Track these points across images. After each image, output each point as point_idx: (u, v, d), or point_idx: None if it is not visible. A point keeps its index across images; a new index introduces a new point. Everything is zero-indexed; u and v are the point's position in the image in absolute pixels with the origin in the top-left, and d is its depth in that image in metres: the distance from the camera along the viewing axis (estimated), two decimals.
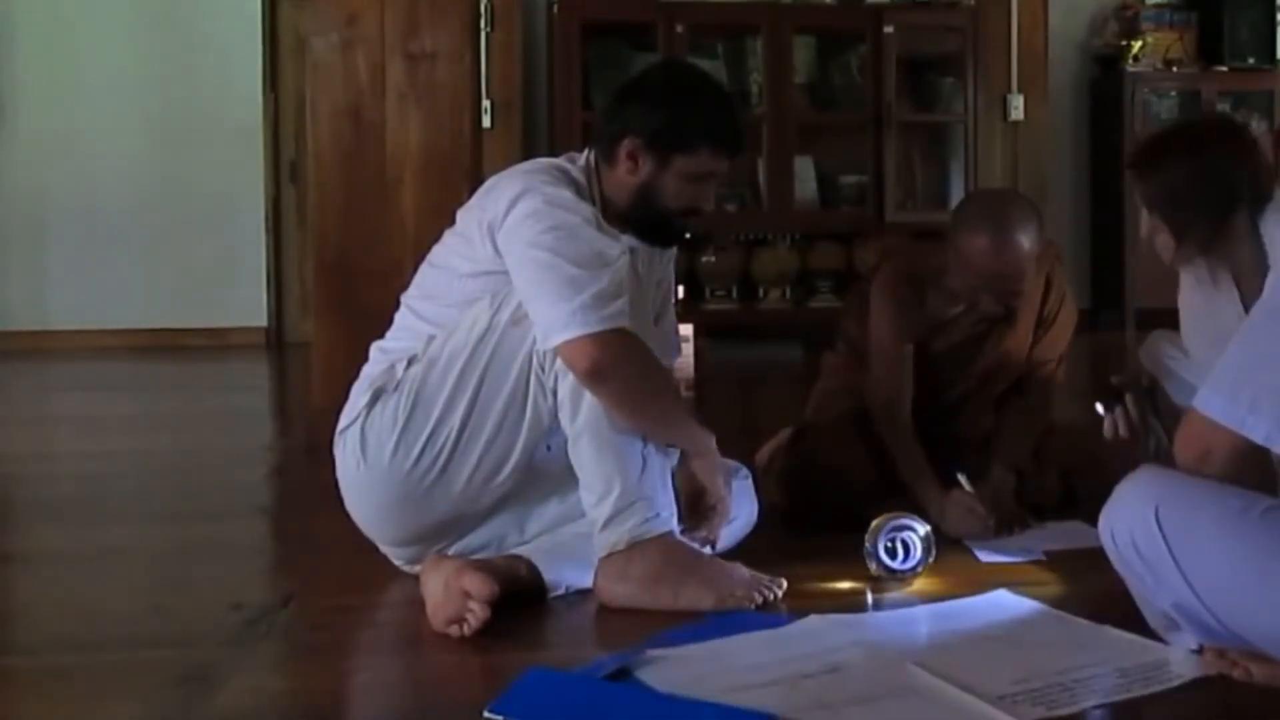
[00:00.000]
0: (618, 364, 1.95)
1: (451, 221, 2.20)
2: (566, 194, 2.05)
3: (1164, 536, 1.58)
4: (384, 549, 2.21)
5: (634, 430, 1.99)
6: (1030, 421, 2.62)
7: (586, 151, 2.21)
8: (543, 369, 2.01)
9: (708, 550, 2.12)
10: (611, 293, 1.95)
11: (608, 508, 1.98)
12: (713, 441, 2.10)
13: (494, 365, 2.03)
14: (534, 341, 2.00)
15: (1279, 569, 1.52)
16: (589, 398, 1.97)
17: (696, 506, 2.12)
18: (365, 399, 2.12)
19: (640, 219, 2.17)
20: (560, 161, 2.18)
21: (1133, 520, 1.62)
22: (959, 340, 2.61)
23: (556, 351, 1.96)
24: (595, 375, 1.94)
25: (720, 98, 2.21)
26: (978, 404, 2.67)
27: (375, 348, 2.20)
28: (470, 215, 2.13)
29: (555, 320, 1.94)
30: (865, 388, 2.60)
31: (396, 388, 2.09)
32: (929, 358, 2.61)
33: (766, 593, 1.99)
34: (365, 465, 2.10)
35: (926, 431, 2.57)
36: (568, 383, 1.98)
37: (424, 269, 2.21)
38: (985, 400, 2.67)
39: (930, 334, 2.60)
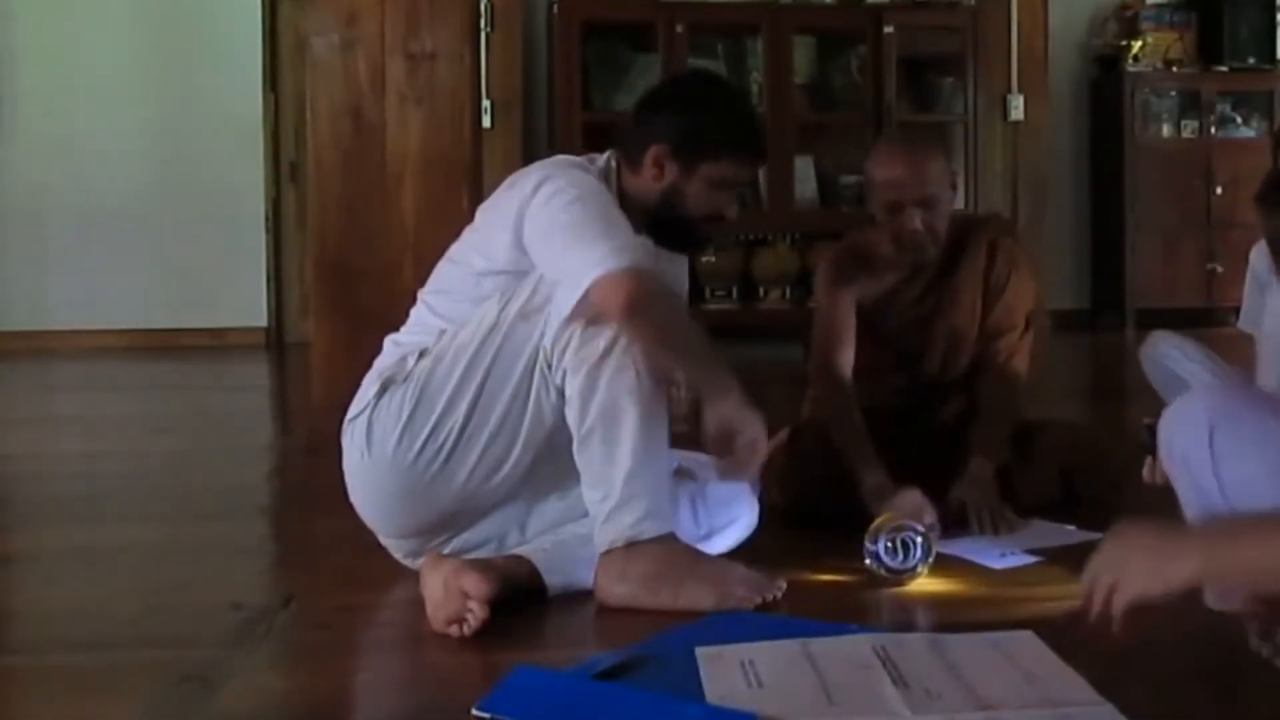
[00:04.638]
0: (654, 297, 1.96)
1: (466, 219, 2.22)
2: (590, 179, 2.09)
3: (1213, 456, 1.58)
4: (385, 542, 2.21)
5: (667, 366, 2.00)
6: (1002, 409, 2.61)
7: (607, 154, 2.23)
8: (548, 365, 2.01)
9: (748, 488, 2.16)
10: (640, 246, 2.00)
11: (610, 504, 1.98)
12: (736, 383, 2.07)
13: (500, 360, 2.04)
14: (540, 337, 2.01)
15: None
16: (600, 396, 1.96)
17: (729, 446, 2.05)
18: (374, 389, 2.13)
19: (663, 224, 2.20)
20: (579, 160, 2.21)
21: (1188, 437, 1.62)
22: (910, 316, 2.65)
23: (590, 293, 1.94)
24: (633, 308, 1.93)
25: (744, 108, 2.30)
26: (944, 387, 2.69)
27: (389, 340, 2.21)
28: (491, 209, 2.15)
29: (589, 259, 1.95)
30: (810, 364, 2.63)
31: (405, 379, 2.10)
32: (885, 339, 2.64)
33: (766, 593, 1.99)
34: (369, 456, 2.11)
35: (899, 423, 2.59)
36: (577, 380, 1.98)
37: (441, 264, 2.23)
38: (952, 383, 2.69)
39: (881, 307, 2.64)
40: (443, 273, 2.21)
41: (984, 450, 2.55)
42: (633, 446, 1.97)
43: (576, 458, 2.01)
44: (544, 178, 2.07)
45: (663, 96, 2.31)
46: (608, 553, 1.99)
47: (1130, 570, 1.34)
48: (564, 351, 1.99)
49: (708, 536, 2.18)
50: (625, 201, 2.18)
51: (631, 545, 1.97)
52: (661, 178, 2.18)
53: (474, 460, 2.06)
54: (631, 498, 1.97)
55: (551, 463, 2.09)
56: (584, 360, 1.97)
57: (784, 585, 2.03)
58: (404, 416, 2.07)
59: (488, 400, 2.04)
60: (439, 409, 2.05)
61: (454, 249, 2.22)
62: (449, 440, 2.05)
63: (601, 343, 1.96)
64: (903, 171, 2.52)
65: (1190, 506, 1.67)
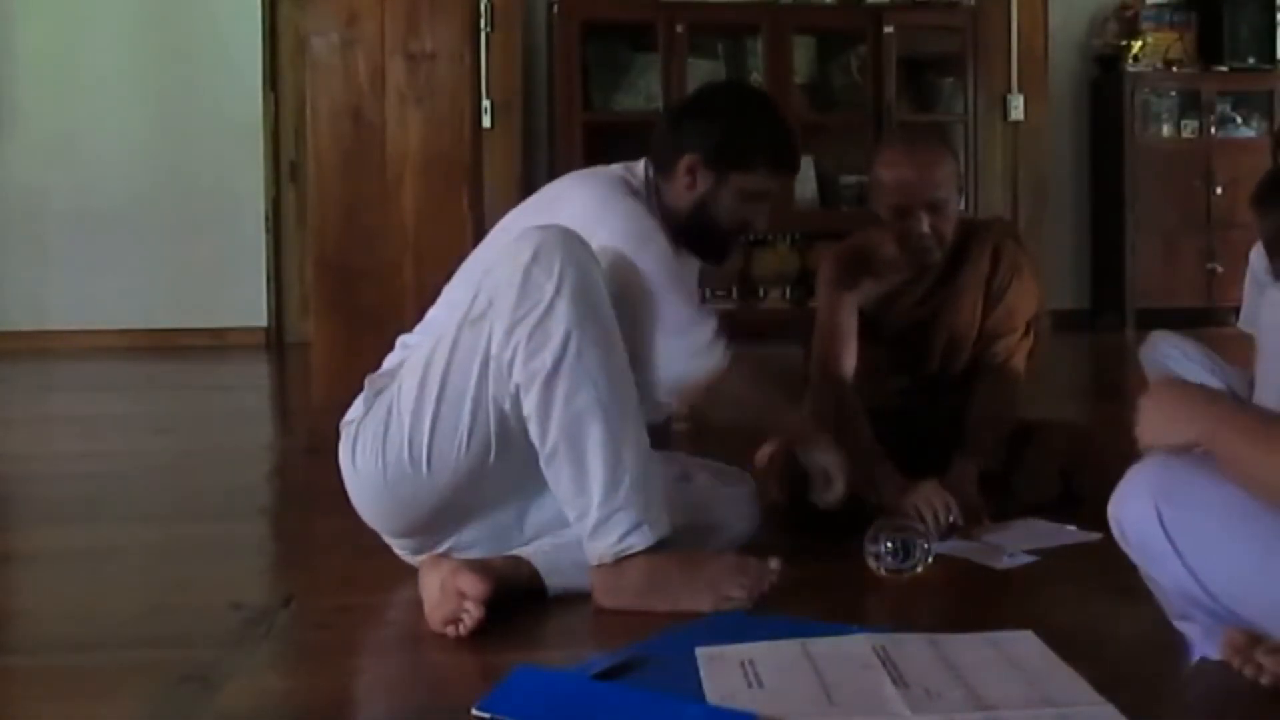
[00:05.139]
0: (729, 392, 2.15)
1: (467, 219, 2.22)
2: (646, 216, 2.15)
3: (1165, 530, 1.58)
4: (387, 540, 2.21)
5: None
6: (997, 409, 2.61)
7: (644, 162, 2.24)
8: (501, 371, 1.96)
9: (748, 490, 2.32)
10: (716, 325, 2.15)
11: (589, 522, 1.95)
12: (807, 424, 2.32)
13: (453, 369, 2.00)
14: (488, 343, 1.95)
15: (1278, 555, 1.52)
16: (558, 412, 1.92)
17: (816, 482, 2.27)
18: (366, 397, 2.12)
19: (694, 233, 2.22)
20: (622, 172, 2.22)
21: (1136, 515, 1.61)
22: (912, 318, 2.65)
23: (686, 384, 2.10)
24: (712, 397, 2.15)
25: (778, 119, 2.29)
26: (944, 387, 2.70)
27: (399, 341, 2.21)
28: (515, 225, 2.12)
29: (691, 348, 2.10)
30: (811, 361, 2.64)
31: (391, 385, 2.09)
32: (885, 339, 2.65)
33: (762, 585, 1.97)
34: (354, 464, 2.11)
35: (899, 423, 2.61)
36: (532, 398, 1.93)
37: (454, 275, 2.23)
38: (952, 383, 2.69)
39: (882, 309, 2.65)
40: (452, 280, 2.21)
41: (974, 450, 2.55)
42: (602, 461, 1.92)
43: (545, 475, 1.98)
44: (602, 206, 2.11)
45: (696, 106, 2.31)
46: (598, 566, 1.98)
47: (1146, 420, 1.57)
48: (511, 364, 1.93)
49: (705, 535, 2.17)
50: (660, 210, 2.18)
51: (620, 560, 1.96)
52: (694, 187, 2.19)
53: (452, 467, 2.03)
54: (614, 513, 1.94)
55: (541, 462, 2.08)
56: (535, 373, 1.91)
57: (778, 566, 2.00)
58: (381, 429, 2.06)
59: (450, 409, 2.00)
60: (408, 421, 2.03)
61: (465, 263, 2.22)
62: (423, 450, 2.02)
63: (549, 356, 1.91)
64: (911, 174, 2.50)
65: (1162, 590, 1.67)
